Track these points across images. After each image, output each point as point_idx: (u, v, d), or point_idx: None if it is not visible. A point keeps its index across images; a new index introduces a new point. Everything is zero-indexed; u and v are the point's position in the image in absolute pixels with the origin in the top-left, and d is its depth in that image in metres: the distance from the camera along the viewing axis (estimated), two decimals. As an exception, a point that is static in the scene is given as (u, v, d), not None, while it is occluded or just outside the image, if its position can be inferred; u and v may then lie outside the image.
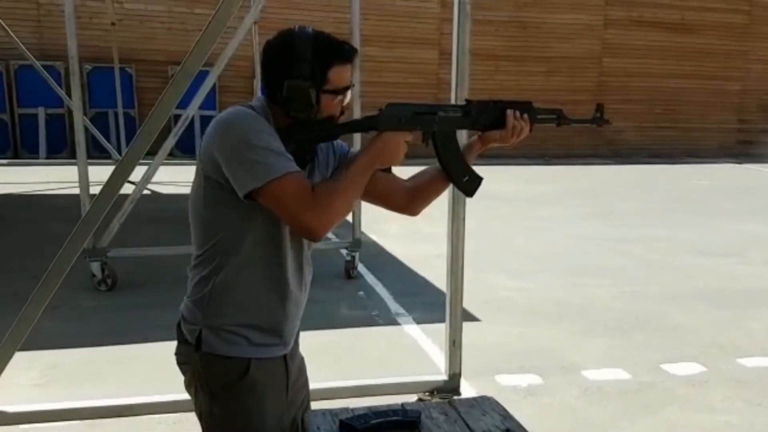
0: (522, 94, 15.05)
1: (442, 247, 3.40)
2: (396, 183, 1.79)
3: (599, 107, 1.75)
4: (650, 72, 16.18)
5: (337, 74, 1.54)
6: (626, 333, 4.45)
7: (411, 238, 6.81)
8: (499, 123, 1.71)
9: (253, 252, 1.56)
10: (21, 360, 3.11)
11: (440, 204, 3.39)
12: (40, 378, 3.54)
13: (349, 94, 1.59)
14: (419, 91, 14.55)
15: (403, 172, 1.76)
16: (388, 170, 1.66)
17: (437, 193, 1.83)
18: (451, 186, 3.17)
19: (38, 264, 3.23)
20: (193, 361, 1.61)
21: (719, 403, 3.47)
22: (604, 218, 8.38)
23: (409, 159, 1.70)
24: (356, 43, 5.24)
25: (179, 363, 1.68)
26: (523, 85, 14.79)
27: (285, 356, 1.68)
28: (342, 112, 1.60)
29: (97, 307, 4.68)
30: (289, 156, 1.49)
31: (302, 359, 1.84)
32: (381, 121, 1.60)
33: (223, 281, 1.57)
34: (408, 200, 1.81)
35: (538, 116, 1.74)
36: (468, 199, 3.24)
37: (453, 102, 3.14)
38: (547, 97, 15.27)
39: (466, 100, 1.71)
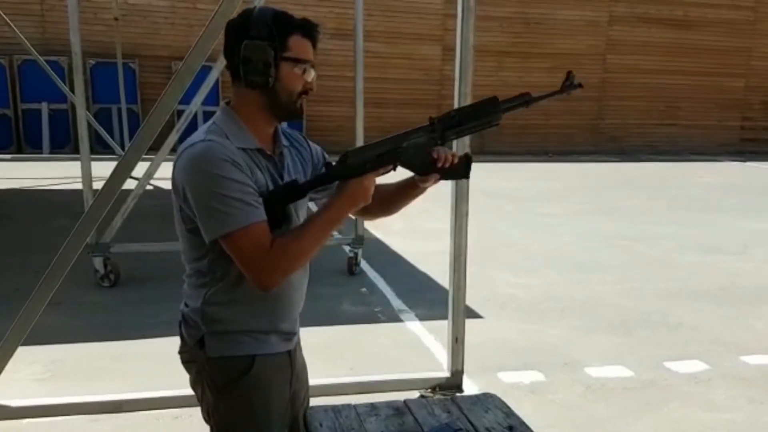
0: (525, 90, 14.94)
1: (445, 244, 3.40)
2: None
3: (569, 74, 1.69)
4: (654, 69, 16.13)
5: (297, 43, 1.52)
6: (629, 330, 4.44)
7: (414, 234, 6.81)
8: (464, 132, 1.64)
9: (238, 270, 1.53)
10: (24, 355, 3.13)
11: (443, 200, 3.39)
12: (43, 373, 3.55)
13: (312, 71, 1.56)
14: (422, 87, 14.55)
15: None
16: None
17: (415, 195, 1.76)
18: (452, 182, 3.17)
19: (41, 259, 3.24)
20: (198, 360, 1.62)
21: (722, 401, 3.46)
22: (607, 215, 8.37)
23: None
24: (359, 38, 5.23)
25: (184, 362, 1.68)
26: (526, 82, 14.73)
27: (289, 351, 1.69)
28: (305, 92, 1.57)
29: (99, 303, 4.69)
30: (255, 201, 1.48)
31: (303, 356, 1.84)
32: (346, 171, 1.58)
33: (218, 295, 1.57)
34: (382, 209, 1.79)
35: (504, 107, 1.67)
36: (471, 196, 3.24)
37: (457, 100, 3.13)
38: (551, 93, 15.23)
39: (429, 118, 1.67)
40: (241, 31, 1.50)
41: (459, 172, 1.69)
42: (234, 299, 1.58)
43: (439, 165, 1.62)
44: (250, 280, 1.50)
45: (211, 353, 1.59)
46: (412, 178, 1.69)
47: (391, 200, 1.77)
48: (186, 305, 1.64)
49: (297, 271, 1.57)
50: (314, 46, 1.57)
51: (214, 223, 1.45)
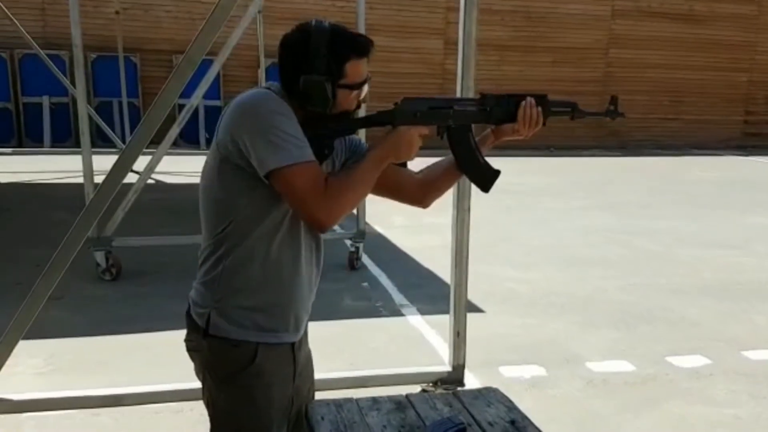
0: (528, 84, 15.01)
1: (447, 239, 3.39)
2: (407, 175, 1.79)
3: (613, 99, 1.75)
4: (657, 63, 16.09)
5: (354, 68, 1.53)
6: (631, 325, 4.44)
7: (415, 229, 6.80)
8: (515, 116, 1.70)
9: (267, 235, 1.55)
10: (25, 348, 3.12)
11: (445, 195, 3.38)
12: (43, 366, 3.55)
13: (365, 88, 1.58)
14: (424, 81, 14.51)
15: (415, 164, 1.74)
16: (404, 164, 1.66)
17: (449, 185, 1.83)
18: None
19: (42, 253, 3.23)
20: (202, 348, 1.61)
21: (724, 396, 3.45)
22: (609, 210, 8.35)
23: (424, 150, 1.69)
24: (361, 32, 5.21)
25: (189, 350, 1.67)
26: (529, 76, 14.73)
27: (293, 344, 1.68)
28: (358, 106, 1.60)
29: (101, 297, 4.69)
30: (307, 144, 1.49)
31: (309, 350, 1.84)
32: (396, 116, 1.60)
33: (235, 263, 1.56)
34: (419, 193, 1.81)
35: (553, 109, 1.73)
36: (473, 190, 3.23)
37: (460, 94, 3.12)
38: (553, 87, 15.20)
39: (481, 93, 1.70)
40: (299, 61, 1.51)
41: (484, 179, 1.73)
42: (252, 270, 1.56)
43: (476, 153, 1.66)
44: (305, 217, 1.51)
45: (214, 332, 1.58)
46: (452, 158, 1.72)
47: (433, 183, 1.79)
48: (198, 282, 1.63)
49: (349, 211, 1.58)
50: (368, 59, 1.57)
51: (275, 154, 1.44)
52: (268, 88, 1.56)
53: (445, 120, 1.64)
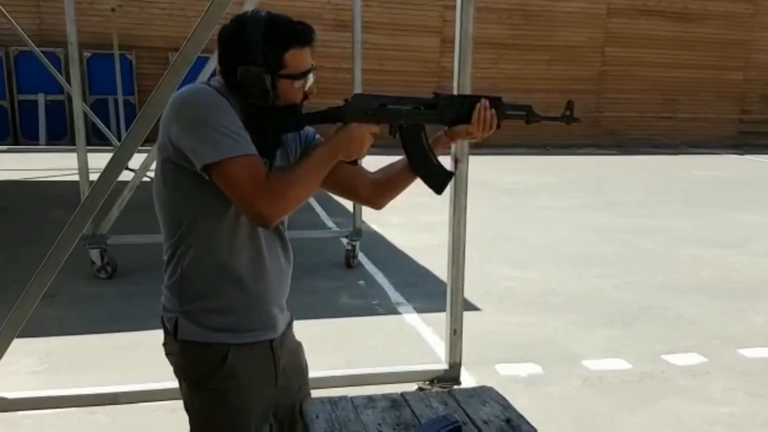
0: (524, 82, 15.02)
1: (443, 237, 3.38)
2: (361, 175, 1.75)
3: (569, 105, 1.72)
4: (652, 61, 16.11)
5: (294, 58, 1.48)
6: (627, 323, 4.44)
7: (412, 227, 6.80)
8: (468, 117, 1.66)
9: (222, 233, 1.51)
10: (20, 347, 3.11)
11: (442, 194, 3.37)
12: (38, 365, 3.54)
13: (310, 78, 1.53)
14: (420, 79, 14.50)
15: (368, 162, 1.72)
16: (354, 162, 1.61)
17: (404, 186, 1.77)
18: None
19: (37, 251, 3.22)
20: (175, 351, 1.59)
21: (720, 394, 3.46)
22: (606, 208, 8.36)
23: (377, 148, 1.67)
24: (358, 30, 5.20)
25: (167, 353, 1.65)
26: (525, 74, 14.73)
27: (271, 342, 1.63)
28: (305, 97, 1.55)
29: (96, 295, 4.68)
30: (247, 138, 1.44)
31: (298, 345, 1.80)
32: (347, 112, 1.55)
33: (193, 265, 1.53)
34: (373, 193, 1.77)
35: (507, 112, 1.70)
36: (470, 189, 3.23)
37: (457, 92, 3.11)
38: (549, 86, 15.21)
39: (434, 93, 1.66)
40: (235, 52, 1.47)
41: (436, 180, 1.69)
42: (210, 270, 1.53)
43: (428, 153, 1.62)
44: (247, 212, 1.45)
45: (183, 336, 1.55)
46: (406, 159, 1.68)
47: (387, 184, 1.75)
48: (164, 287, 1.61)
49: (292, 210, 1.51)
50: (311, 46, 1.52)
51: (212, 148, 1.39)
52: (208, 84, 1.52)
53: (396, 119, 1.60)
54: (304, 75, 1.51)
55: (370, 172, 1.77)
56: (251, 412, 1.60)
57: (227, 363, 1.55)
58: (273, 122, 1.53)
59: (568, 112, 1.71)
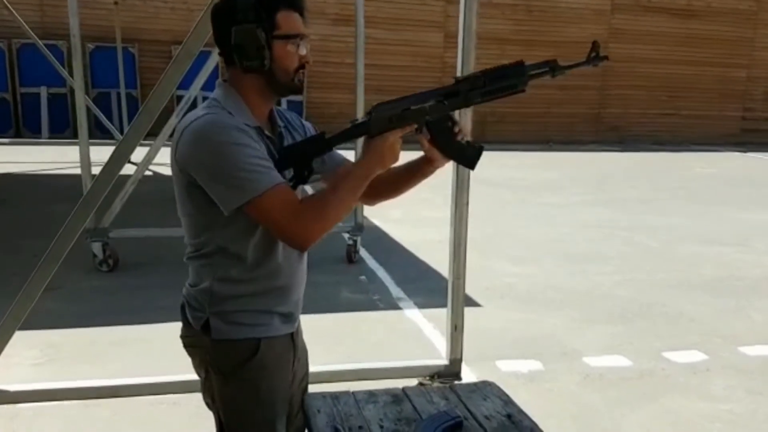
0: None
1: (445, 233, 3.38)
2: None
3: (595, 45, 1.68)
4: (656, 58, 16.07)
5: (286, 19, 1.50)
6: (628, 320, 4.44)
7: (413, 223, 6.80)
8: (493, 93, 1.61)
9: (249, 240, 1.54)
10: (21, 339, 3.12)
11: (443, 189, 3.37)
12: (40, 357, 3.54)
13: (304, 43, 1.54)
14: (423, 74, 14.47)
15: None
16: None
17: (403, 188, 1.76)
18: (453, 170, 3.15)
19: (40, 244, 3.23)
20: (203, 346, 1.61)
21: (720, 392, 3.46)
22: (608, 205, 8.35)
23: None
24: (360, 24, 5.19)
25: (186, 346, 1.67)
26: (528, 70, 14.67)
27: (291, 334, 1.69)
28: (302, 66, 1.56)
29: (98, 288, 4.68)
30: (271, 165, 1.46)
31: (304, 340, 1.84)
32: (372, 126, 1.56)
33: (224, 273, 1.56)
34: (387, 190, 1.77)
35: (530, 72, 1.67)
36: (472, 185, 3.23)
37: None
38: (553, 81, 15.08)
39: (455, 78, 1.65)
40: (228, 16, 1.48)
41: (469, 158, 1.67)
42: (242, 278, 1.56)
43: (457, 137, 1.61)
44: (285, 241, 1.49)
45: (217, 336, 1.58)
46: (422, 157, 1.68)
47: (399, 180, 1.75)
48: (191, 286, 1.62)
49: (331, 228, 1.52)
50: (302, 16, 1.54)
51: (236, 191, 1.42)
52: (216, 100, 1.52)
53: (421, 117, 1.59)
54: (296, 37, 1.52)
55: None
56: (278, 400, 1.65)
57: (258, 355, 1.59)
58: (304, 151, 1.56)
59: (593, 54, 1.68)
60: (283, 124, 1.66)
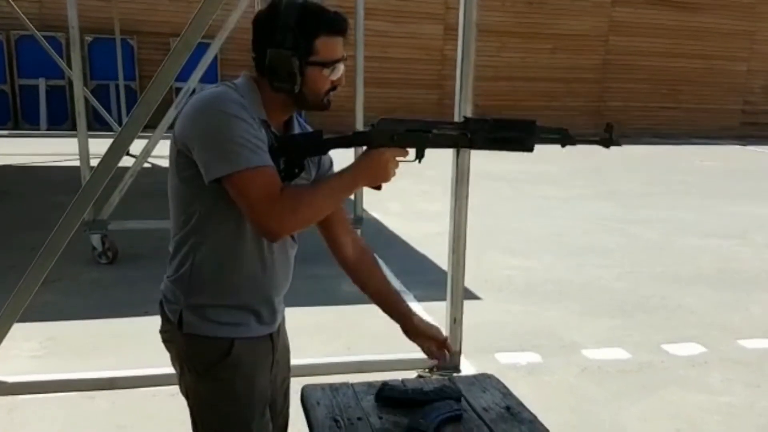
0: (527, 70, 14.95)
1: (444, 226, 3.38)
2: (351, 239, 1.81)
3: (609, 127, 1.70)
4: (656, 51, 16.04)
5: (325, 45, 1.47)
6: (627, 313, 4.45)
7: (413, 216, 6.79)
8: (496, 143, 1.62)
9: (231, 230, 1.51)
10: (20, 331, 3.12)
11: (443, 182, 3.37)
12: (39, 349, 3.55)
13: (340, 68, 1.52)
14: (423, 67, 14.45)
15: None
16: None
17: (389, 314, 1.86)
18: (453, 163, 3.15)
19: (38, 236, 3.22)
20: (177, 341, 1.58)
21: (719, 384, 3.47)
22: (608, 199, 8.35)
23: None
24: (360, 16, 5.16)
25: (164, 341, 1.65)
26: (528, 62, 14.65)
27: (271, 334, 1.65)
28: (334, 88, 1.54)
29: (96, 280, 4.68)
30: (264, 149, 1.44)
31: (287, 340, 1.81)
32: (373, 137, 1.53)
33: (202, 260, 1.53)
34: (354, 264, 1.82)
35: (541, 135, 1.68)
36: (471, 178, 3.22)
37: (459, 80, 3.10)
38: (553, 74, 15.15)
39: (465, 117, 1.64)
40: (267, 35, 1.46)
41: None
42: (220, 267, 1.53)
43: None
44: (256, 225, 1.45)
45: (188, 330, 1.55)
46: (406, 319, 1.83)
47: (381, 301, 1.84)
48: (168, 277, 1.60)
49: (302, 228, 1.50)
50: (344, 37, 1.52)
51: (223, 161, 1.39)
52: (233, 84, 1.51)
53: (422, 144, 1.56)
54: (333, 63, 1.50)
55: (361, 245, 1.83)
56: (255, 401, 1.61)
57: (232, 354, 1.55)
58: (298, 147, 1.53)
59: (607, 135, 1.70)
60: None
